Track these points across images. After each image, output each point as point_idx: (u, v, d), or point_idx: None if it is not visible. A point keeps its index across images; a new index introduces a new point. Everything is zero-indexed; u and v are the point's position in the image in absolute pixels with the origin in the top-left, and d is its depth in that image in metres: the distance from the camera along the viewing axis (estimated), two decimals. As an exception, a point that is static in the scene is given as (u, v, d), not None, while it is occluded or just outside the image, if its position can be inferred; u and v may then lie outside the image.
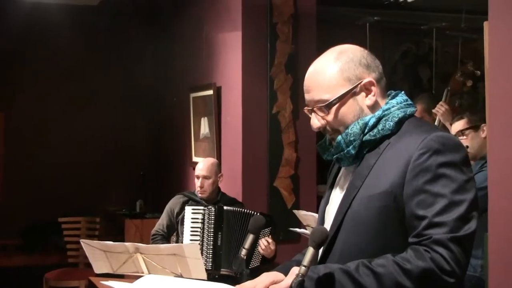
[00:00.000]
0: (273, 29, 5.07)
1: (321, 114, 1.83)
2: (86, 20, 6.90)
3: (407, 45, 7.39)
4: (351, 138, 1.79)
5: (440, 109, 4.29)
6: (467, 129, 3.73)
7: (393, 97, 1.86)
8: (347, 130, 1.81)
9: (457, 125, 3.77)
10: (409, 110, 1.83)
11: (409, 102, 1.86)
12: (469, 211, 1.65)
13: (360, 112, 1.82)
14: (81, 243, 3.65)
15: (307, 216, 3.82)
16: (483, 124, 3.62)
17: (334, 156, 1.85)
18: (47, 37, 6.80)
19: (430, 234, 1.62)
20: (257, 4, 5.07)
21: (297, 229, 4.36)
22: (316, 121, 1.85)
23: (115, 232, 6.34)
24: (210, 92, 5.61)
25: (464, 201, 1.65)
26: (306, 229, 4.11)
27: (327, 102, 1.81)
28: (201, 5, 6.03)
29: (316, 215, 3.61)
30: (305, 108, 1.88)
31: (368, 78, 1.81)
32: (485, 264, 2.70)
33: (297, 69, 5.12)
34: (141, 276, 1.78)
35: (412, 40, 7.40)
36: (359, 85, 1.81)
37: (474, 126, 3.71)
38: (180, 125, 6.59)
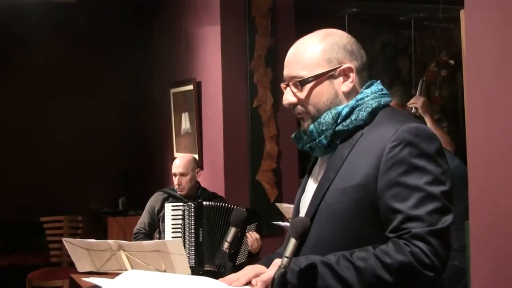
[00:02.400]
0: (252, 23, 5.06)
1: (295, 90, 1.79)
2: (65, 17, 6.82)
3: (386, 37, 7.40)
4: (323, 128, 1.76)
5: (417, 102, 4.21)
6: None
7: (368, 87, 1.82)
8: (319, 119, 1.77)
9: None
10: (384, 100, 1.79)
11: (384, 91, 1.83)
12: (445, 203, 1.63)
13: (334, 97, 1.79)
14: (64, 242, 3.62)
15: (289, 209, 3.81)
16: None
17: (307, 145, 1.82)
18: (26, 34, 6.71)
19: (409, 228, 1.60)
20: (235, -3, 5.05)
21: (280, 223, 4.36)
22: (288, 97, 1.81)
23: (98, 230, 6.31)
24: (190, 87, 5.59)
25: (440, 193, 1.62)
26: (289, 222, 4.10)
27: (302, 79, 1.78)
28: (180, 0, 6.00)
29: (298, 207, 3.61)
30: (282, 83, 1.85)
31: (349, 64, 1.78)
32: (467, 251, 2.72)
33: (276, 62, 5.11)
34: (124, 273, 1.76)
35: (391, 31, 7.42)
36: (338, 69, 1.78)
37: None
38: (161, 121, 6.57)
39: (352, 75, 1.79)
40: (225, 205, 4.21)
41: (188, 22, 5.79)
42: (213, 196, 4.51)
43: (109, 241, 3.52)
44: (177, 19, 6.06)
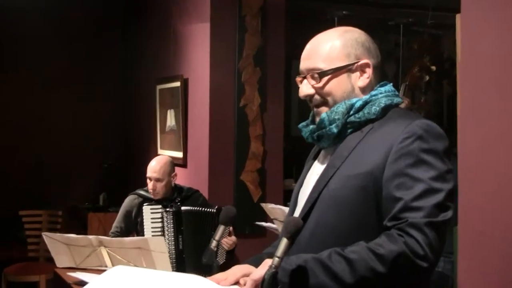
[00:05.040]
0: (242, 22, 5.02)
1: (313, 82, 1.84)
2: (52, 10, 6.79)
3: (374, 40, 7.40)
4: (336, 117, 1.80)
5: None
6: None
7: (382, 86, 1.88)
8: (332, 108, 1.82)
9: None
10: (396, 100, 1.85)
11: (396, 93, 1.89)
12: (447, 200, 1.65)
13: (350, 90, 1.84)
14: (43, 236, 3.57)
15: (275, 210, 3.78)
16: None
17: (315, 134, 1.85)
18: (9, 24, 6.64)
19: (406, 218, 1.61)
20: (225, -5, 5.01)
21: (263, 223, 4.34)
22: (305, 89, 1.86)
23: (77, 226, 6.23)
24: (177, 84, 5.55)
25: (443, 190, 1.65)
26: (273, 223, 4.07)
27: (322, 71, 1.82)
28: (169, -4, 5.96)
29: (284, 208, 3.59)
30: (297, 77, 1.90)
31: (366, 60, 1.85)
32: (454, 257, 2.70)
33: (265, 62, 5.08)
34: (104, 270, 1.72)
35: (379, 35, 7.41)
36: (356, 64, 1.84)
37: None
38: (146, 117, 6.51)
39: (369, 71, 1.85)
40: (205, 209, 4.11)
41: (177, 19, 5.75)
42: (189, 194, 4.39)
43: (90, 236, 3.46)
44: (166, 15, 6.02)
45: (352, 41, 1.85)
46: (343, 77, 1.83)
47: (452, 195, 1.68)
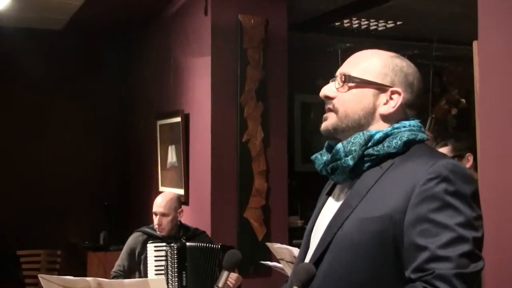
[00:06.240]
0: (243, 55, 4.93)
1: (338, 85, 1.71)
2: (51, 45, 6.81)
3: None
4: (352, 148, 1.65)
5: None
6: (451, 157, 3.57)
7: (407, 119, 1.72)
8: (349, 139, 1.67)
9: None
10: (420, 135, 1.69)
11: (422, 129, 1.73)
12: (476, 249, 1.49)
13: (370, 111, 1.69)
14: (39, 278, 3.44)
15: (281, 250, 3.62)
16: (468, 154, 3.47)
17: (329, 166, 1.69)
18: (10, 62, 6.61)
19: (433, 269, 1.45)
20: (226, 28, 4.93)
21: (269, 262, 4.19)
22: (327, 89, 1.74)
23: (77, 265, 6.14)
24: (178, 119, 5.46)
25: (472, 239, 1.49)
26: (279, 262, 3.92)
27: (350, 76, 1.70)
28: (170, 29, 5.91)
29: (291, 248, 3.45)
30: (331, 80, 1.77)
31: (400, 90, 1.70)
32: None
33: (267, 95, 4.99)
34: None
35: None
36: (387, 88, 1.69)
37: (459, 155, 3.55)
38: (147, 154, 6.44)
39: (397, 101, 1.69)
40: (209, 245, 4.03)
41: (178, 52, 5.68)
42: (195, 233, 4.33)
43: (88, 278, 3.34)
44: (166, 48, 5.96)
45: (396, 67, 1.70)
46: (368, 93, 1.69)
47: (482, 243, 1.52)
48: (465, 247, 1.46)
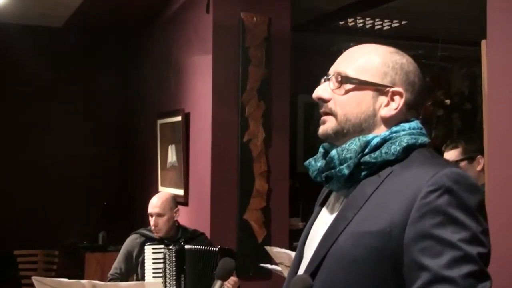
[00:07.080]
0: (245, 53, 4.85)
1: (333, 86, 1.56)
2: (51, 43, 6.78)
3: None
4: (347, 155, 1.51)
5: None
6: (461, 160, 3.48)
7: (407, 122, 1.58)
8: (344, 145, 1.54)
9: (451, 155, 3.51)
10: (421, 139, 1.54)
11: (423, 131, 1.59)
12: (483, 267, 1.37)
13: (370, 115, 1.54)
14: (33, 280, 3.38)
15: (280, 254, 3.55)
16: (479, 156, 3.38)
17: (323, 174, 1.57)
18: (10, 59, 6.58)
19: None
20: (228, 27, 4.85)
21: (268, 265, 4.13)
22: (321, 90, 1.59)
23: (74, 266, 6.07)
24: (178, 118, 5.39)
25: (477, 255, 1.36)
26: (278, 265, 3.84)
27: (347, 76, 1.55)
28: (171, 27, 5.85)
29: (290, 252, 3.38)
30: (323, 78, 1.63)
31: (401, 90, 1.56)
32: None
33: (270, 95, 4.91)
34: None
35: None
36: (388, 88, 1.54)
37: (469, 158, 3.46)
38: (146, 153, 6.39)
39: (399, 103, 1.55)
40: (208, 248, 3.97)
41: (179, 50, 5.62)
42: (194, 235, 4.27)
43: (83, 281, 3.32)
44: (167, 46, 5.90)
45: (396, 64, 1.55)
46: (367, 95, 1.54)
47: (489, 259, 1.39)
48: (471, 267, 1.34)
